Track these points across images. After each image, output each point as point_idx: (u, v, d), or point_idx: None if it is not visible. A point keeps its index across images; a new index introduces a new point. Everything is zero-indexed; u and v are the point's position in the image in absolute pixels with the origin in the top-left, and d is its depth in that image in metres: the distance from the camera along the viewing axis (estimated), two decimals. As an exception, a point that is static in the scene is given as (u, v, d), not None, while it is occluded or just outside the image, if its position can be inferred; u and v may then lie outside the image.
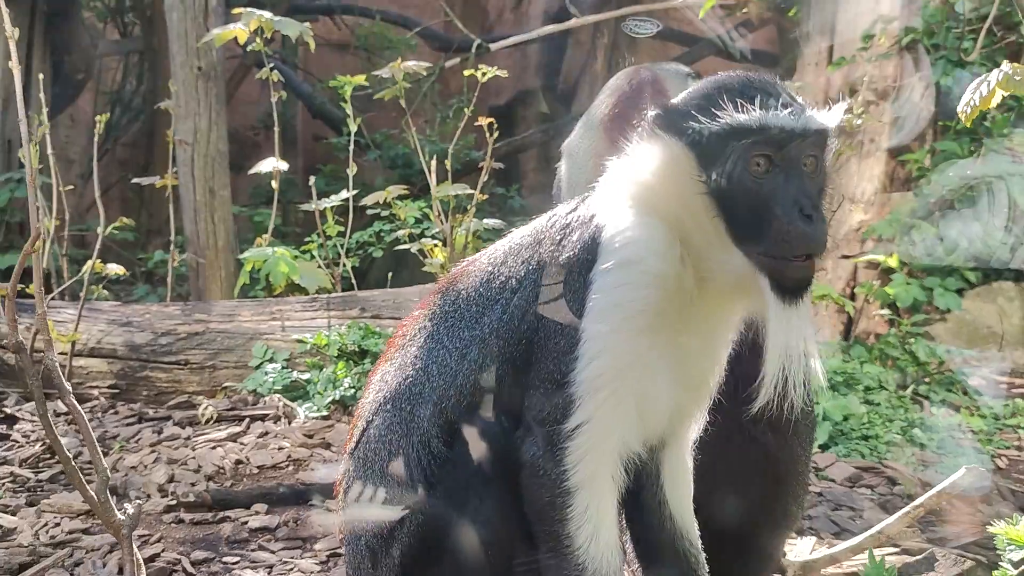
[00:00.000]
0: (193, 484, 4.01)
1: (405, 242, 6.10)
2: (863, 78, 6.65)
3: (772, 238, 1.83)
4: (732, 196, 1.87)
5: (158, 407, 5.24)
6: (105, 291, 6.49)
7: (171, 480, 4.06)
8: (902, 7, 6.81)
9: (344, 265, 6.46)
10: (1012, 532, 2.59)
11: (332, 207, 6.37)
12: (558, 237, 2.09)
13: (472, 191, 5.80)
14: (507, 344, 2.09)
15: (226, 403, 5.03)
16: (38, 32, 9.03)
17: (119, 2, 11.59)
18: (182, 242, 7.61)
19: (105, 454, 4.40)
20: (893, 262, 6.17)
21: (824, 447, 4.50)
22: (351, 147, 6.46)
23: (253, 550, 3.44)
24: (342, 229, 6.42)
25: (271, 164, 6.03)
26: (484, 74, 5.64)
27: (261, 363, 5.28)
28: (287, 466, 4.27)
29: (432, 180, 5.72)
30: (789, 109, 1.87)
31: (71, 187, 6.15)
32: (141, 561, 2.25)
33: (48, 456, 4.42)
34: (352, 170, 6.33)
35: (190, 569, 3.25)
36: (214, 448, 4.41)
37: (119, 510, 2.21)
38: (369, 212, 7.06)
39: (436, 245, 5.90)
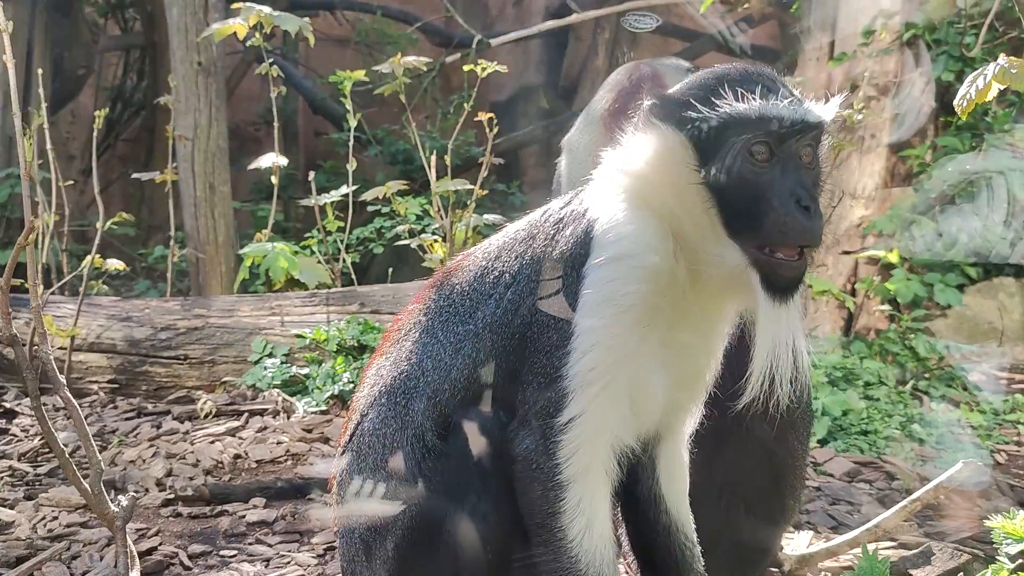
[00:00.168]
0: (191, 478, 4.02)
1: (405, 238, 6.10)
2: (864, 74, 6.63)
3: (768, 229, 1.83)
4: (729, 187, 1.86)
5: (157, 402, 5.25)
6: (105, 286, 6.50)
7: (169, 474, 4.07)
8: (903, 2, 6.80)
9: (344, 260, 6.46)
10: (1009, 526, 2.59)
11: (332, 203, 6.37)
12: (551, 232, 2.09)
13: (472, 187, 5.79)
14: (501, 339, 2.09)
15: (225, 398, 5.03)
16: (39, 28, 9.03)
17: (120, -2, 11.60)
18: (182, 238, 7.61)
19: (104, 448, 4.42)
20: (894, 258, 6.16)
21: (823, 442, 4.50)
22: (351, 143, 6.45)
23: (250, 543, 3.44)
24: (342, 225, 6.41)
25: (271, 159, 6.02)
26: (484, 69, 5.63)
27: (260, 358, 5.29)
28: (285, 460, 4.27)
29: (432, 175, 5.72)
30: (789, 100, 1.87)
31: (71, 182, 6.14)
32: (135, 553, 2.25)
33: (47, 450, 4.43)
34: (352, 166, 6.32)
35: (187, 562, 3.26)
36: (213, 443, 4.42)
37: (114, 503, 2.21)
38: (370, 208, 7.07)
39: (436, 241, 5.90)
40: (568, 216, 2.08)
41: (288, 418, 4.72)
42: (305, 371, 5.12)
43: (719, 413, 2.30)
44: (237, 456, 4.27)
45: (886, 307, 6.14)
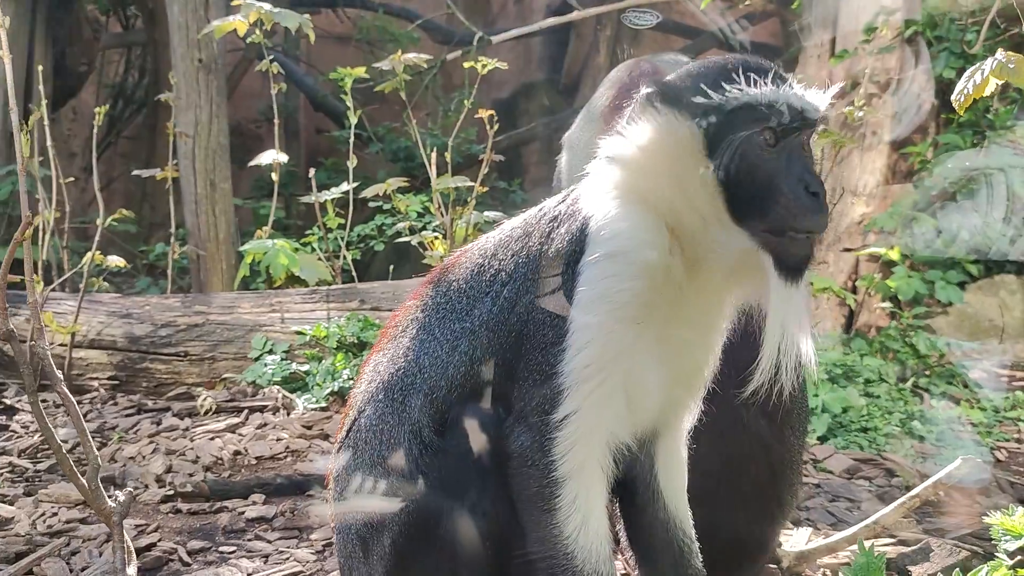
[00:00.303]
0: (191, 475, 4.02)
1: (406, 235, 6.09)
2: (864, 71, 6.63)
3: (779, 214, 1.83)
4: (739, 173, 1.86)
5: (157, 398, 5.26)
6: (106, 283, 6.50)
7: (169, 471, 4.07)
8: (904, -1, 6.80)
9: (344, 257, 6.46)
10: (1007, 522, 2.59)
11: (333, 200, 6.36)
12: (547, 230, 2.09)
13: (472, 184, 5.79)
14: (497, 336, 2.09)
15: (225, 394, 5.04)
16: (40, 25, 9.03)
17: (121, -5, 11.60)
18: (183, 235, 7.62)
19: (104, 445, 4.42)
20: (895, 255, 6.16)
21: (823, 439, 4.50)
22: (351, 140, 6.45)
23: (249, 540, 3.44)
24: (342, 222, 6.41)
25: (271, 156, 6.02)
26: (484, 66, 5.63)
27: (260, 355, 5.29)
28: (285, 457, 4.27)
29: (432, 172, 5.71)
30: (797, 89, 1.89)
31: (71, 179, 6.14)
32: (132, 548, 2.25)
33: (46, 447, 4.43)
34: (352, 163, 6.31)
35: (186, 558, 3.26)
36: (212, 439, 4.42)
37: (112, 499, 2.21)
38: (371, 205, 7.06)
39: (437, 238, 5.89)
40: (563, 213, 2.08)
41: (288, 415, 4.73)
42: (305, 368, 5.12)
43: (717, 409, 2.30)
44: (237, 453, 4.27)
45: (887, 304, 6.14)
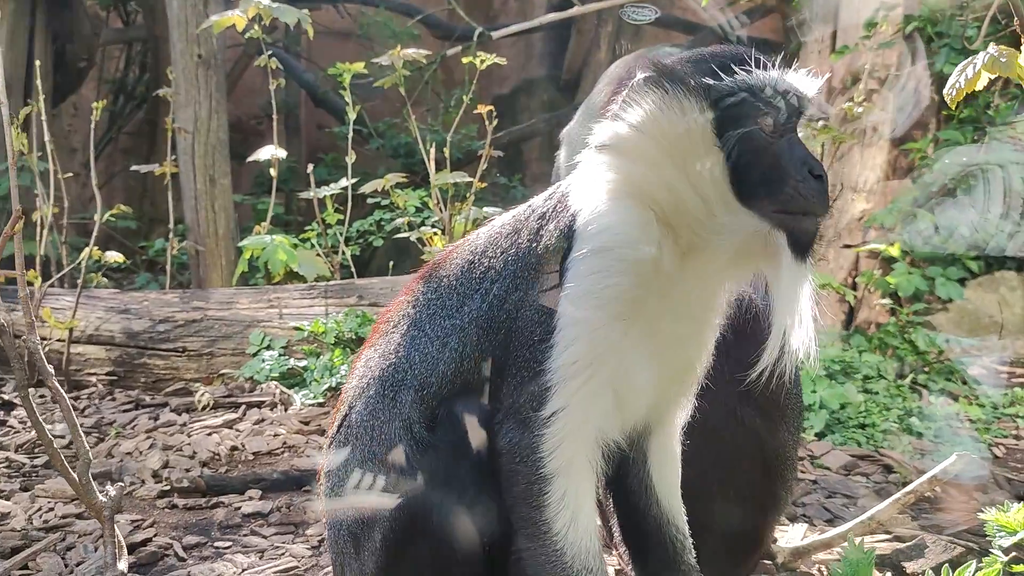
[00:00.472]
0: (187, 470, 4.02)
1: (404, 230, 6.09)
2: (864, 66, 6.61)
3: (787, 195, 1.85)
4: (743, 153, 1.87)
5: (155, 394, 5.26)
6: (104, 279, 6.50)
7: (165, 466, 4.07)
8: (905, -6, 6.78)
9: (343, 253, 6.45)
10: (1002, 519, 2.58)
11: (332, 195, 6.36)
12: (535, 227, 2.09)
13: (471, 179, 5.78)
14: (486, 333, 2.09)
15: (223, 390, 5.04)
16: (40, 21, 9.01)
17: (121, -10, 11.59)
18: (183, 231, 7.62)
19: (101, 440, 4.42)
20: (895, 251, 6.14)
21: (820, 435, 4.48)
22: (350, 135, 6.45)
23: (245, 535, 3.44)
24: (341, 217, 6.41)
25: (269, 152, 6.02)
26: (482, 61, 5.62)
27: (258, 350, 5.29)
28: (282, 452, 4.27)
29: (431, 168, 5.71)
30: (795, 73, 1.93)
31: (69, 175, 6.14)
32: (123, 542, 2.25)
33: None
34: (351, 158, 6.31)
35: (181, 554, 3.26)
36: (209, 434, 4.42)
37: (103, 493, 2.21)
38: (370, 201, 7.06)
39: (436, 233, 5.89)
40: (551, 210, 2.08)
41: (286, 410, 4.73)
42: (303, 363, 5.12)
43: (711, 404, 2.29)
44: (234, 448, 4.27)
45: (887, 301, 6.12)
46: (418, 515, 2.07)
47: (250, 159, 6.19)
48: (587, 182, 2.02)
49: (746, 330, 2.16)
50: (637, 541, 2.36)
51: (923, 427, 4.60)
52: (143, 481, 3.94)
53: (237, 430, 4.49)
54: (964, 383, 5.28)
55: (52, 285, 5.68)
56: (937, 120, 6.80)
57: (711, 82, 1.88)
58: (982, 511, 2.60)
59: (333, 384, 4.85)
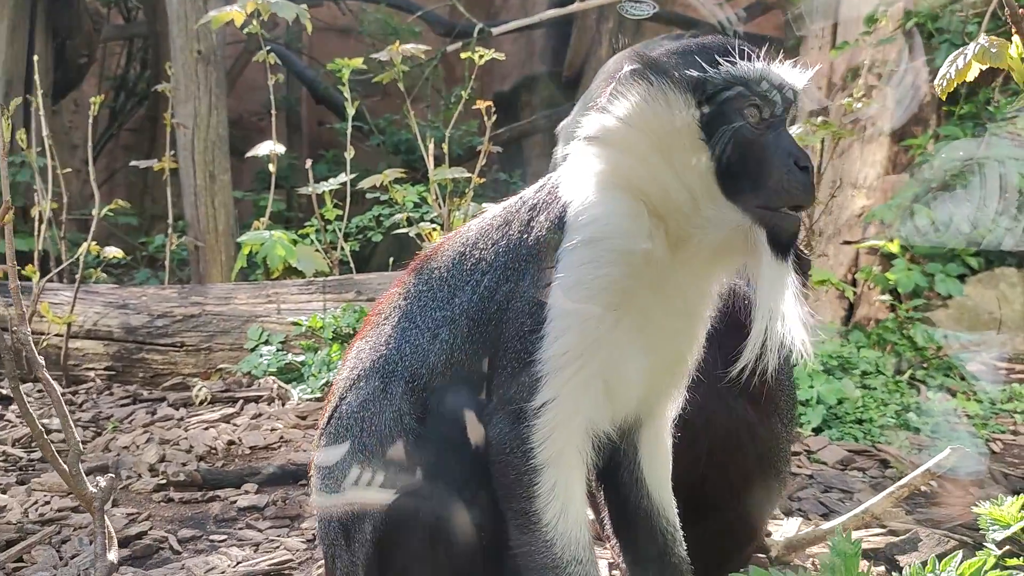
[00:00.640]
0: (184, 464, 4.02)
1: (403, 226, 6.09)
2: (864, 62, 6.60)
3: (771, 188, 1.84)
4: (728, 145, 1.86)
5: (153, 389, 5.27)
6: (104, 274, 6.51)
7: (162, 460, 4.08)
8: (905, -10, 6.77)
9: (343, 249, 6.45)
10: (996, 512, 2.58)
11: (331, 191, 6.36)
12: (526, 218, 2.08)
13: (470, 175, 5.78)
14: (477, 325, 2.08)
15: (221, 385, 5.05)
16: (40, 17, 9.02)
17: (122, -13, 11.60)
18: (183, 227, 7.62)
19: (98, 434, 4.43)
20: (894, 248, 6.13)
21: (817, 430, 4.48)
22: (348, 131, 6.44)
23: (240, 528, 3.45)
24: (340, 213, 6.41)
25: (268, 147, 6.02)
26: (481, 57, 5.62)
27: (256, 345, 5.30)
28: (279, 447, 4.27)
29: (430, 163, 5.71)
30: (782, 65, 1.91)
31: (68, 170, 6.14)
32: (113, 533, 2.25)
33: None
34: (350, 154, 6.31)
35: (176, 547, 3.26)
36: (207, 429, 4.42)
37: (94, 484, 2.22)
38: (370, 196, 7.06)
39: (435, 229, 5.89)
40: (542, 201, 2.07)
41: (283, 405, 4.73)
42: (301, 358, 5.13)
43: (703, 396, 2.29)
44: (231, 442, 4.27)
45: (886, 297, 6.12)
46: (408, 506, 2.06)
47: (249, 154, 6.19)
48: (577, 173, 2.02)
49: (737, 322, 2.16)
50: (628, 533, 2.36)
51: (920, 423, 4.60)
52: (139, 475, 3.94)
53: (234, 424, 4.49)
54: (962, 379, 5.27)
55: (51, 280, 5.68)
56: (937, 116, 6.79)
57: (695, 74, 1.87)
58: (977, 505, 2.60)
59: (330, 379, 4.84)
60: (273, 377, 4.98)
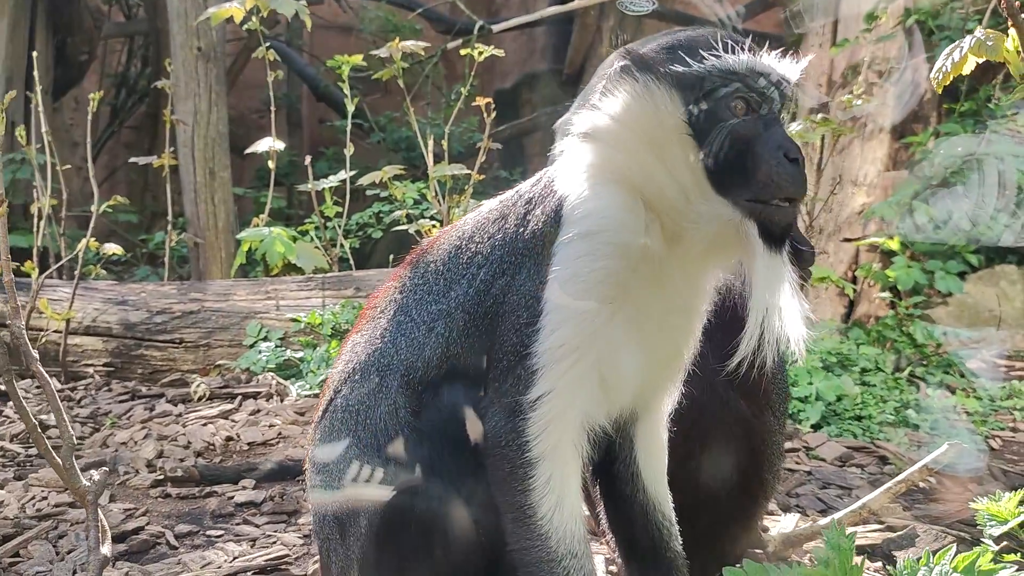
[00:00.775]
0: (182, 460, 4.02)
1: (403, 222, 6.09)
2: (864, 59, 6.59)
3: (761, 181, 1.81)
4: (717, 140, 1.85)
5: (152, 385, 5.27)
6: (103, 271, 6.51)
7: (160, 456, 4.08)
8: (906, -14, 6.75)
9: (343, 246, 6.45)
10: (993, 508, 2.58)
11: (331, 188, 6.36)
12: (522, 211, 2.08)
13: (469, 172, 5.77)
14: (473, 318, 2.08)
15: (219, 381, 5.04)
16: (41, 14, 9.03)
17: (123, -16, 11.60)
18: (183, 223, 7.62)
19: (96, 430, 4.43)
20: (894, 245, 6.13)
21: (816, 427, 4.47)
22: (348, 128, 6.44)
23: (237, 524, 3.44)
24: (340, 210, 6.41)
25: (267, 144, 6.02)
26: (480, 53, 5.61)
27: (255, 342, 5.30)
28: (277, 443, 4.27)
29: (429, 160, 5.70)
30: (770, 56, 1.88)
31: (68, 167, 6.14)
32: (107, 527, 2.25)
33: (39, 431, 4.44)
34: (349, 150, 6.31)
35: (173, 542, 3.26)
36: (205, 425, 4.42)
37: (87, 478, 2.21)
38: (370, 194, 7.06)
39: (435, 226, 5.88)
40: (538, 194, 2.07)
41: (281, 401, 4.73)
42: (300, 355, 5.13)
43: (698, 390, 2.28)
44: (229, 438, 4.27)
45: (886, 294, 6.11)
46: (403, 500, 2.05)
47: (248, 151, 6.19)
48: (573, 167, 2.01)
49: (732, 316, 2.15)
50: (624, 528, 2.35)
51: (919, 419, 4.59)
52: (137, 471, 3.94)
53: (233, 421, 4.49)
54: (962, 376, 5.26)
55: (50, 276, 5.68)
56: (938, 114, 6.78)
57: (680, 69, 1.86)
58: (975, 502, 2.60)
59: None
60: (272, 373, 4.98)
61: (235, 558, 3.10)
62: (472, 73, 6.08)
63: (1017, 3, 1.87)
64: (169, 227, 6.76)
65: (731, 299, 2.18)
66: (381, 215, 7.39)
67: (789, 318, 1.86)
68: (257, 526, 3.42)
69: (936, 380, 5.14)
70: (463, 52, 5.89)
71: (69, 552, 3.12)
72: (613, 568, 2.70)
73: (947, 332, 5.63)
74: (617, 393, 2.06)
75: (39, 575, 2.98)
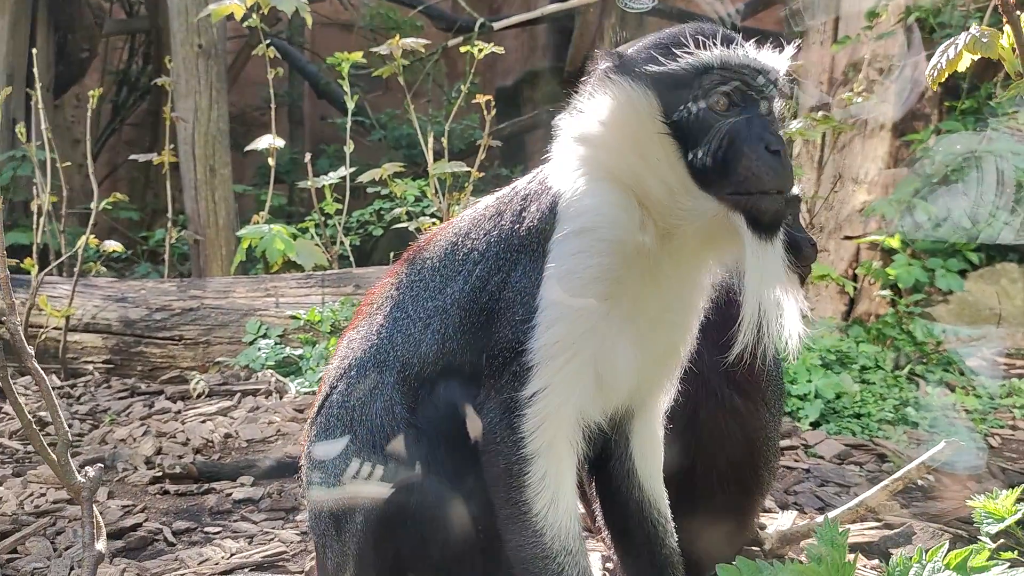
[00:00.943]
0: (180, 456, 4.03)
1: (403, 220, 6.09)
2: (865, 57, 6.58)
3: (741, 176, 1.81)
4: (697, 137, 1.85)
5: (151, 382, 5.27)
6: (103, 268, 6.51)
7: (158, 452, 4.08)
8: (907, -16, 6.74)
9: (343, 243, 6.45)
10: (990, 505, 2.58)
11: (331, 185, 6.35)
12: (518, 208, 2.08)
13: (469, 169, 5.77)
14: (469, 315, 2.08)
15: (218, 378, 5.05)
16: (42, 11, 9.03)
17: (124, -19, 11.60)
18: (184, 221, 7.62)
19: (95, 427, 4.43)
20: (895, 243, 6.12)
21: (815, 424, 4.47)
22: (348, 125, 6.44)
23: (235, 520, 3.45)
24: (340, 207, 6.41)
25: (267, 141, 6.02)
26: (481, 51, 5.61)
27: (254, 339, 5.30)
28: (276, 440, 4.27)
29: (429, 157, 5.70)
30: (746, 48, 1.87)
31: (68, 164, 6.15)
32: (102, 523, 2.25)
33: (37, 428, 4.44)
34: (349, 147, 6.31)
35: (171, 538, 3.27)
36: (204, 422, 4.43)
37: (81, 474, 2.22)
38: (371, 191, 7.05)
39: (434, 223, 5.88)
40: (533, 192, 2.07)
41: (280, 398, 4.73)
42: (299, 352, 5.13)
43: (694, 386, 2.29)
44: (228, 435, 4.27)
45: (887, 292, 6.10)
46: (399, 497, 2.06)
47: (248, 148, 6.19)
48: (566, 165, 2.02)
49: (728, 312, 2.15)
50: (619, 525, 2.35)
51: (919, 417, 4.58)
52: (135, 467, 3.95)
53: (231, 418, 4.49)
54: (962, 374, 5.26)
55: (50, 273, 5.68)
56: (939, 111, 6.77)
57: (655, 69, 1.86)
58: (972, 499, 2.60)
59: (328, 372, 4.85)
60: (271, 370, 4.99)
61: (233, 555, 3.10)
62: (473, 70, 6.08)
63: (1012, 0, 1.86)
64: (169, 224, 6.76)
65: (727, 295, 2.18)
66: (381, 212, 7.39)
67: (784, 310, 1.86)
68: (255, 523, 3.43)
69: (936, 378, 5.13)
70: (464, 49, 5.88)
71: (67, 548, 3.13)
72: (609, 565, 2.70)
73: (947, 330, 5.62)
74: (613, 390, 2.06)
75: (37, 571, 2.99)
